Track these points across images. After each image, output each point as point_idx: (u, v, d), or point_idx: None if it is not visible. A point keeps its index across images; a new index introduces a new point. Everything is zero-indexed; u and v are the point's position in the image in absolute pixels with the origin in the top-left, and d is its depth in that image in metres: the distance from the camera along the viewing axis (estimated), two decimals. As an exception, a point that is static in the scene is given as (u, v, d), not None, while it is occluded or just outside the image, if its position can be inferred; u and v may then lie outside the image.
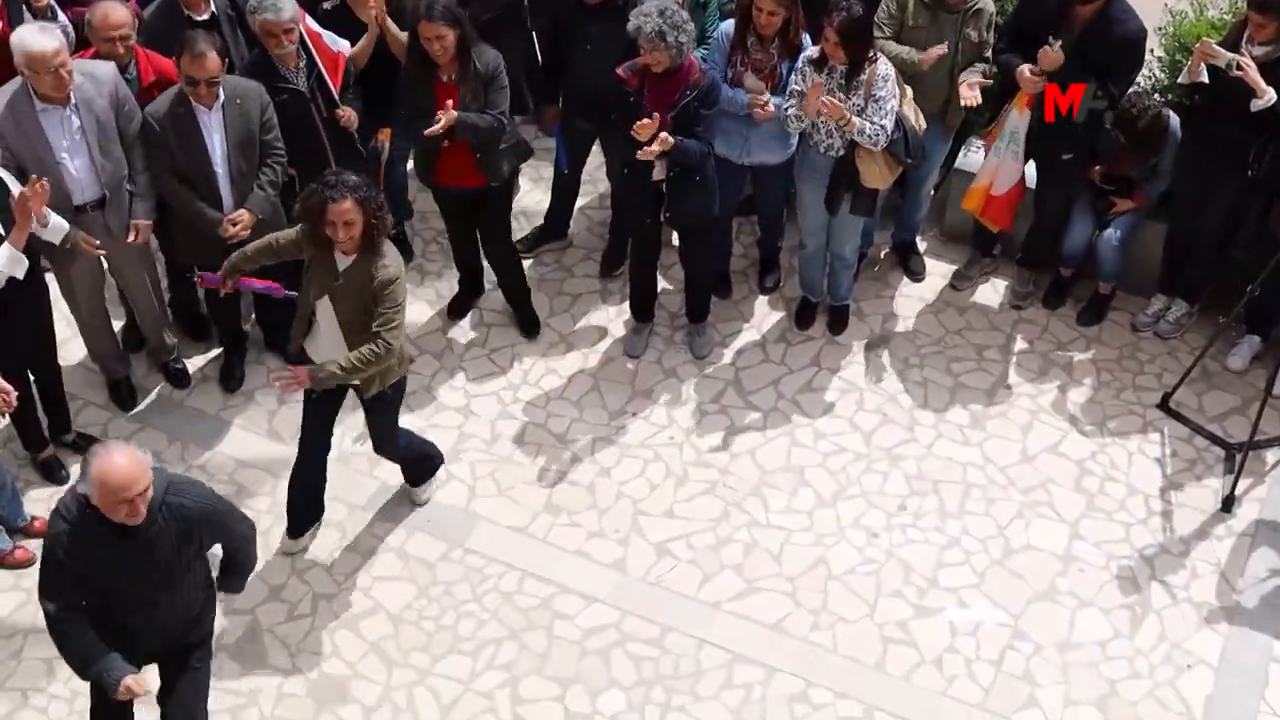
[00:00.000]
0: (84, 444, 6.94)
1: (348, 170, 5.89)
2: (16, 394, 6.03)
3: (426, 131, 6.75)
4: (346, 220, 5.63)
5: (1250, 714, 6.05)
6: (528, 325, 7.76)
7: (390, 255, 5.87)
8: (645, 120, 6.57)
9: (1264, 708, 6.06)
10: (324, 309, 5.97)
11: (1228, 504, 6.83)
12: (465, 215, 7.45)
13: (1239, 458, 6.86)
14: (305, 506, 6.63)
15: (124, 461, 4.65)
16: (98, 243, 6.61)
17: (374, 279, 5.78)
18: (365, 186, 5.72)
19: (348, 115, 6.98)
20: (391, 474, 6.94)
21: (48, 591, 4.93)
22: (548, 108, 8.06)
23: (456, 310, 7.88)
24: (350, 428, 6.91)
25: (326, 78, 6.94)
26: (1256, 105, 6.58)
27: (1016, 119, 7.29)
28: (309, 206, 5.74)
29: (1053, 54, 6.86)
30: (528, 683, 6.20)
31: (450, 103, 6.74)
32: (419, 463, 6.79)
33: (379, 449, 6.60)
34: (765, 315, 7.91)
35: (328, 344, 6.03)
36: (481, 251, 7.70)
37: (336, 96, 6.98)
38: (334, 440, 6.60)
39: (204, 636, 5.42)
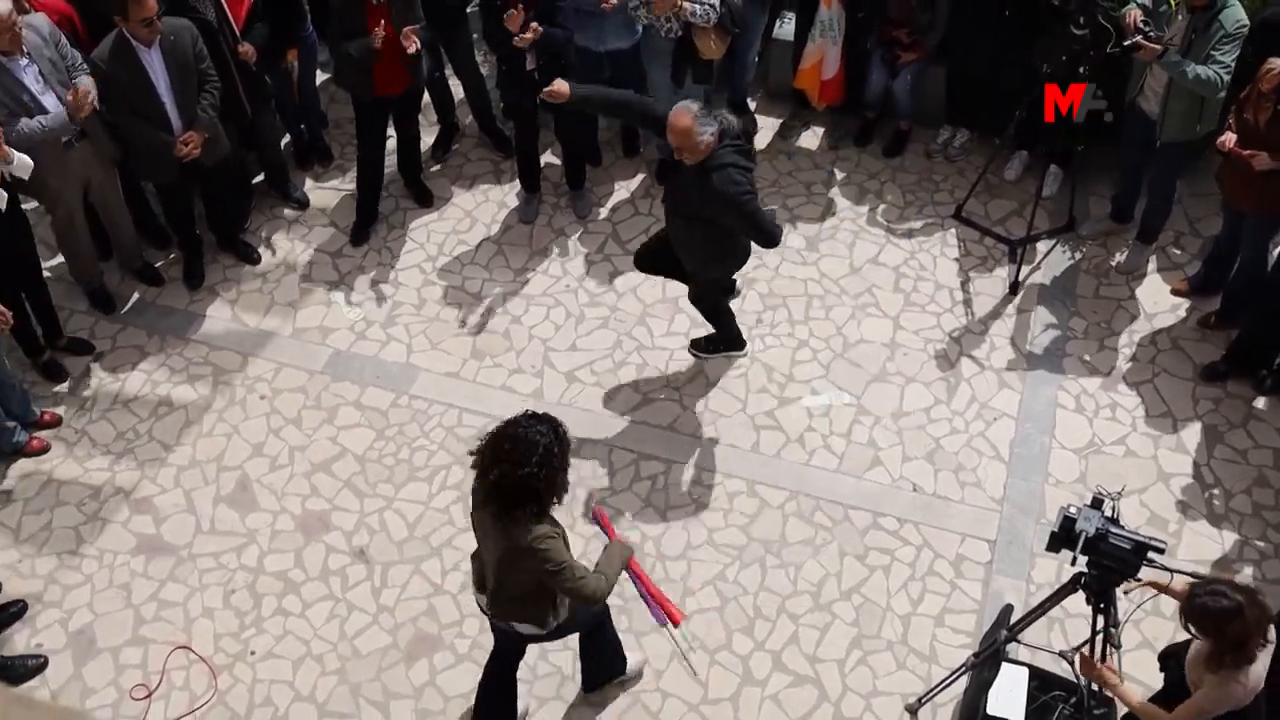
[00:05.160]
0: (76, 347, 6.84)
1: None
2: (11, 314, 5.87)
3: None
4: None
5: (1045, 450, 6.26)
6: (421, 196, 7.61)
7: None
8: (513, 11, 6.47)
9: (1054, 443, 6.30)
10: None
11: (1014, 288, 6.97)
12: (383, 120, 7.19)
13: (1019, 251, 7.00)
14: None
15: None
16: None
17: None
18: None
19: (247, 50, 6.71)
20: (341, 340, 6.87)
21: None
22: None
23: (358, 238, 7.40)
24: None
25: (228, 12, 6.63)
26: None
27: (825, 12, 7.21)
28: None
29: None
30: (475, 497, 6.26)
31: (384, 21, 6.53)
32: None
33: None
34: (631, 176, 7.83)
35: None
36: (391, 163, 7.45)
37: (238, 32, 6.67)
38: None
39: None
